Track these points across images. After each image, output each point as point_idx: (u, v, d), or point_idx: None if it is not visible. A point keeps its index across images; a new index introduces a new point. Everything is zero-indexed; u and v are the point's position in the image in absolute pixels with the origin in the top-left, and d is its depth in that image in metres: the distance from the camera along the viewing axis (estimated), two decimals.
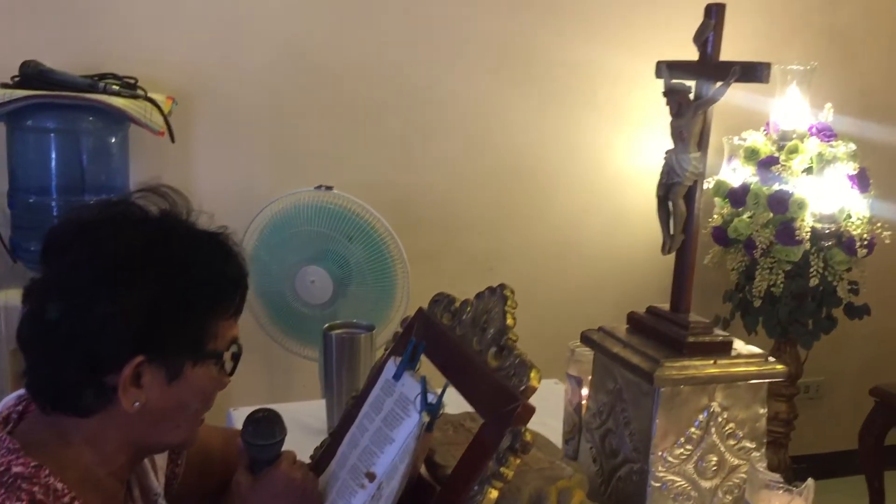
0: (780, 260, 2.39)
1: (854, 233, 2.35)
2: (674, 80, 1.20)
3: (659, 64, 1.23)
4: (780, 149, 2.44)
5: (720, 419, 1.18)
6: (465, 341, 1.12)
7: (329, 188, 2.15)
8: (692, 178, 1.18)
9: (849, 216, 2.38)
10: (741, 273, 2.52)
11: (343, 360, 1.55)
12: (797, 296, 2.46)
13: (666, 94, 1.19)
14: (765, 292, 2.43)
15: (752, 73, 1.10)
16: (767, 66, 1.09)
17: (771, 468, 2.61)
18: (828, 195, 2.36)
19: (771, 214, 2.37)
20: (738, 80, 1.12)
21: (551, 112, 2.61)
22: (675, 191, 1.19)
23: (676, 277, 1.24)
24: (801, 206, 2.33)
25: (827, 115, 2.49)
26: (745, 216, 2.44)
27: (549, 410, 1.54)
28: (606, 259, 2.72)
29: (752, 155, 2.48)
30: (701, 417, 1.17)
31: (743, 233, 2.42)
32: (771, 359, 1.21)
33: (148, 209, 0.97)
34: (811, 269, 2.36)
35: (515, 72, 2.55)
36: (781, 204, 2.35)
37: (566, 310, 2.63)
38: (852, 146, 2.42)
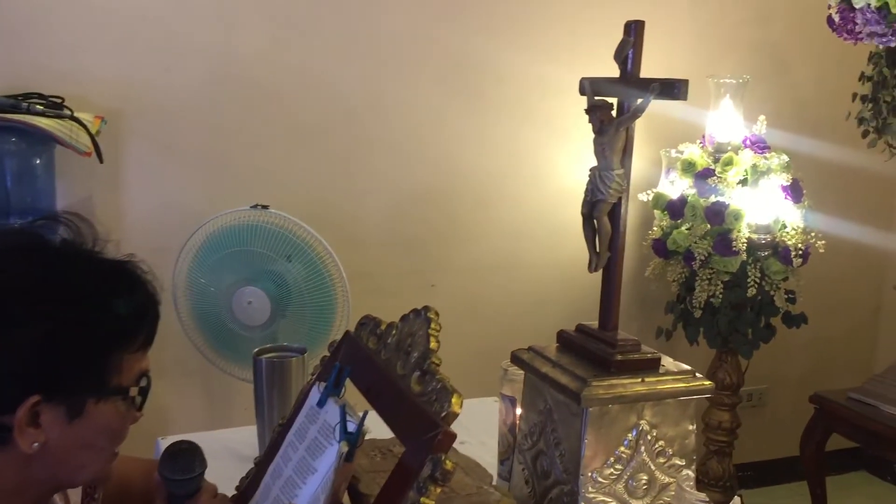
0: (719, 271, 2.41)
1: (789, 243, 2.39)
2: (596, 97, 1.19)
3: (582, 81, 1.22)
4: (717, 161, 2.47)
5: (649, 437, 1.17)
6: (390, 365, 1.09)
7: (265, 207, 2.11)
8: (616, 195, 1.18)
9: (784, 226, 2.41)
10: (681, 284, 2.55)
11: (273, 385, 1.51)
12: (736, 306, 2.49)
13: (588, 111, 1.18)
14: (705, 303, 2.46)
15: (671, 89, 1.11)
16: (685, 82, 1.09)
17: (715, 477, 2.65)
18: (763, 206, 2.39)
19: (708, 226, 2.40)
20: (657, 97, 1.12)
21: (493, 127, 2.60)
22: (600, 208, 1.18)
23: (604, 295, 1.23)
24: (737, 217, 2.36)
25: (760, 128, 2.53)
26: (683, 228, 2.46)
27: (488, 429, 1.52)
28: (549, 274, 2.72)
29: (689, 167, 2.51)
30: (630, 436, 1.16)
31: (682, 244, 2.44)
32: (699, 375, 1.21)
33: (48, 239, 0.93)
34: (749, 280, 2.39)
35: (456, 87, 2.54)
36: (718, 215, 2.37)
37: (509, 326, 2.62)
38: (785, 158, 2.47)
